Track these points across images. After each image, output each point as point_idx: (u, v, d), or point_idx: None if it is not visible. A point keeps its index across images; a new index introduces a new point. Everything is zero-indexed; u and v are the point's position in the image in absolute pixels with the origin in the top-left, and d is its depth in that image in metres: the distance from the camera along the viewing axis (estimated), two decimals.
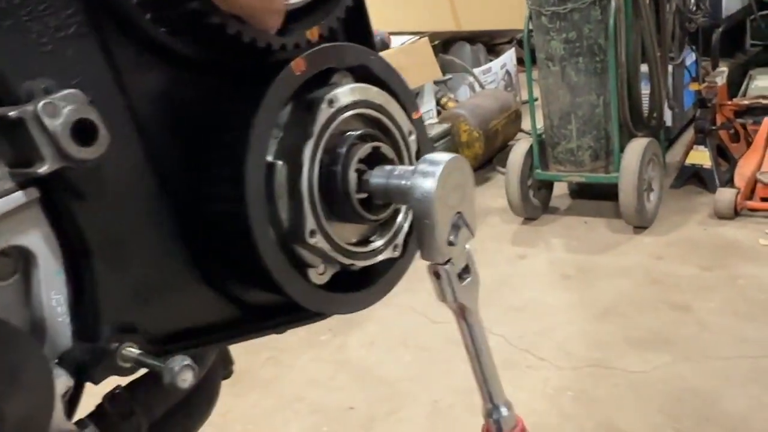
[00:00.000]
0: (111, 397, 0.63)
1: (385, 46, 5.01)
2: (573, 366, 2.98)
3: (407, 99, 0.76)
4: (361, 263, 0.71)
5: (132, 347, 0.59)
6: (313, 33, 0.66)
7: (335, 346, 3.40)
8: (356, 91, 0.68)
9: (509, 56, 6.58)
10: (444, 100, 5.64)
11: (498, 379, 0.70)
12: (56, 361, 0.58)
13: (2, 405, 0.41)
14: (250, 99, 0.63)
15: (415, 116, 0.78)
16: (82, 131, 0.53)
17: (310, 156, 0.64)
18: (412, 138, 0.76)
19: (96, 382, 0.58)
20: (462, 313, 0.67)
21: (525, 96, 5.15)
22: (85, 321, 0.59)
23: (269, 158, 0.64)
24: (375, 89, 0.71)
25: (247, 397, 3.11)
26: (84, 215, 0.57)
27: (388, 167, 0.67)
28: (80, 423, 0.60)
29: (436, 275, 0.66)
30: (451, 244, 0.64)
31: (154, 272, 0.63)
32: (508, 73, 6.48)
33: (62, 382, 0.57)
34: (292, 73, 0.64)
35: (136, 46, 0.62)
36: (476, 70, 6.11)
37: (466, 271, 0.67)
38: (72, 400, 0.65)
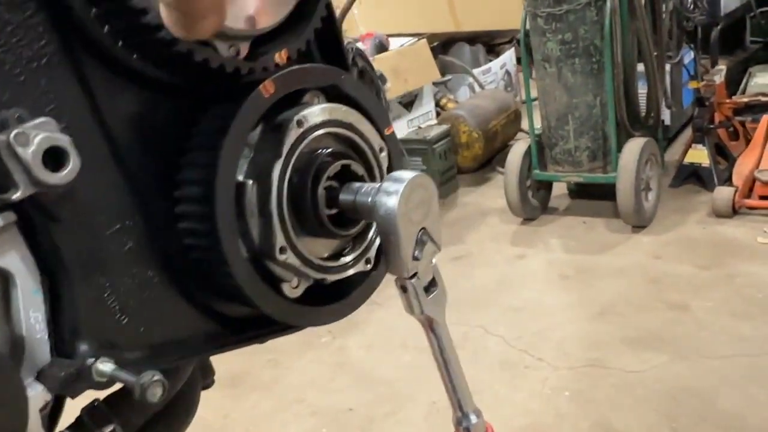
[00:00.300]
0: (89, 409, 0.65)
1: (384, 48, 5.03)
2: (570, 366, 2.99)
3: (378, 116, 0.78)
4: (332, 277, 0.73)
5: (107, 362, 0.61)
6: (281, 56, 0.68)
7: (335, 348, 3.43)
8: (326, 111, 0.71)
9: (509, 56, 6.60)
10: (443, 101, 5.66)
11: (467, 388, 0.72)
12: (34, 376, 0.60)
13: None
14: (221, 120, 0.66)
15: (387, 132, 0.80)
16: (54, 158, 0.55)
17: (279, 175, 0.66)
18: (383, 154, 0.78)
19: (73, 396, 0.60)
20: (430, 325, 0.70)
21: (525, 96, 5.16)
22: (62, 337, 0.62)
23: (240, 177, 0.67)
24: (345, 108, 0.73)
25: (246, 399, 3.14)
26: (59, 236, 0.60)
27: (356, 185, 0.69)
28: None
29: (403, 289, 0.68)
30: (416, 259, 0.66)
31: (130, 289, 0.66)
32: (507, 73, 6.50)
33: (40, 396, 0.59)
34: (260, 96, 0.66)
35: (109, 72, 0.64)
36: (476, 71, 6.13)
37: (432, 284, 0.70)
38: (53, 413, 0.68)
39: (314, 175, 0.68)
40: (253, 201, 0.66)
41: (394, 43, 5.22)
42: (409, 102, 5.07)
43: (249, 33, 0.66)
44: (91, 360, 0.61)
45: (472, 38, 6.70)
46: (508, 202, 4.30)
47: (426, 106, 5.30)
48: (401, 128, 4.89)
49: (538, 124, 4.29)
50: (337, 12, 4.79)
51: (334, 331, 3.48)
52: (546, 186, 4.48)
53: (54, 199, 0.57)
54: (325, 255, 0.74)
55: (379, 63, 4.57)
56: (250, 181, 0.67)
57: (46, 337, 0.62)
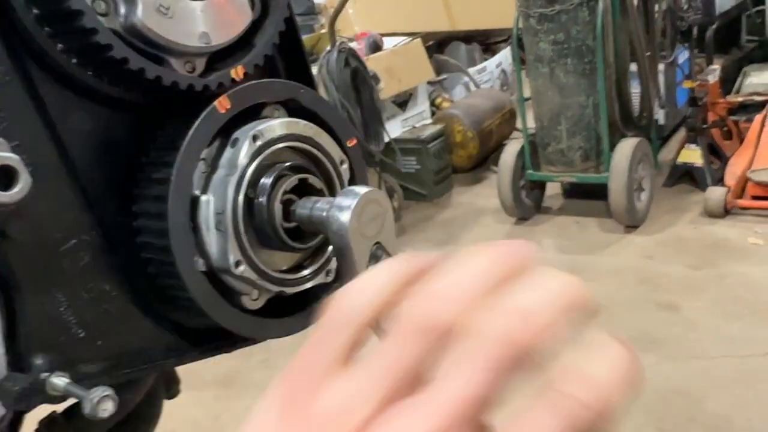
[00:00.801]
0: (47, 422, 0.66)
1: (378, 48, 5.03)
2: None
3: (340, 128, 0.79)
4: (291, 290, 0.74)
5: (62, 377, 0.62)
6: (237, 72, 0.69)
7: None
8: (284, 126, 0.71)
9: (504, 55, 6.60)
10: (438, 100, 5.66)
11: None
12: None
13: None
14: (176, 136, 0.66)
15: (349, 144, 0.80)
16: (3, 176, 0.56)
17: (234, 189, 0.67)
18: (344, 166, 0.78)
19: (27, 410, 0.61)
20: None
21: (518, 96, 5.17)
22: (18, 352, 0.63)
23: (196, 192, 0.67)
24: (303, 122, 0.73)
25: (239, 400, 3.15)
26: (11, 253, 0.60)
27: (313, 199, 0.70)
28: None
29: None
30: None
31: (87, 303, 0.66)
32: (503, 72, 6.49)
33: None
34: (215, 112, 0.67)
35: (64, 89, 0.65)
36: (471, 70, 6.13)
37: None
38: (12, 426, 0.69)
39: (270, 190, 0.69)
40: (208, 216, 0.67)
41: (389, 43, 5.22)
42: (403, 101, 5.07)
43: (203, 50, 0.66)
44: (45, 374, 0.62)
45: (467, 37, 6.69)
46: (501, 201, 4.31)
47: (420, 106, 5.30)
48: (395, 128, 4.90)
49: (531, 123, 4.29)
50: (331, 12, 4.79)
51: None
52: (539, 186, 4.49)
53: (4, 217, 0.58)
54: (284, 267, 0.75)
55: (373, 63, 4.57)
56: (205, 196, 0.67)
57: (2, 351, 0.63)
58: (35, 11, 0.61)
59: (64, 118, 0.65)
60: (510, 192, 4.20)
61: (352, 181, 0.80)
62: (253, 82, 0.71)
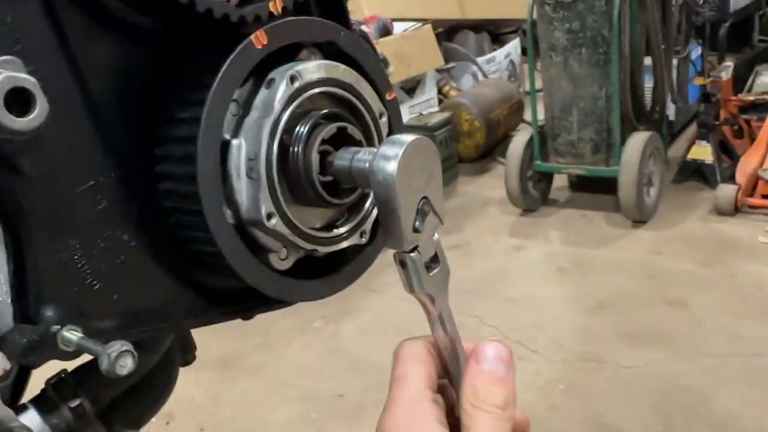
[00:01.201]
0: (55, 381, 0.60)
1: (388, 32, 4.96)
2: (565, 359, 2.96)
3: (380, 79, 0.73)
4: (324, 249, 0.68)
5: (75, 331, 0.56)
6: (276, 6, 0.63)
7: (328, 334, 3.39)
8: (322, 68, 0.65)
9: (514, 46, 6.52)
10: (446, 88, 5.59)
11: None
12: None
13: None
14: (207, 73, 0.60)
15: (388, 97, 0.74)
16: (19, 101, 0.50)
17: (268, 135, 0.61)
18: (384, 120, 0.72)
19: (35, 365, 0.55)
20: (431, 305, 0.64)
21: (528, 86, 5.10)
22: (26, 302, 0.57)
23: (226, 136, 0.61)
24: (343, 67, 0.67)
25: (236, 382, 3.10)
26: (23, 191, 0.54)
27: (352, 149, 0.64)
28: (21, 407, 0.58)
29: (402, 264, 0.62)
30: (416, 230, 0.60)
31: (103, 253, 0.60)
32: (512, 62, 6.42)
33: None
34: (252, 47, 0.61)
35: (86, 17, 0.58)
36: (480, 59, 6.06)
37: (434, 260, 0.63)
38: (17, 384, 0.63)
39: (307, 138, 0.63)
40: (239, 162, 0.61)
41: (398, 28, 5.15)
42: (411, 88, 5.01)
43: None
44: (56, 327, 0.56)
45: (477, 26, 6.62)
46: (508, 192, 4.26)
47: (428, 93, 5.24)
48: (403, 114, 4.82)
49: (540, 115, 4.23)
50: None
51: (328, 316, 3.44)
52: (547, 177, 4.43)
53: (17, 148, 0.52)
54: (318, 225, 0.69)
55: (383, 47, 4.50)
56: (237, 141, 0.61)
57: (9, 301, 0.57)
58: None
59: (84, 47, 0.58)
60: (517, 182, 4.15)
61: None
62: (293, 18, 0.65)
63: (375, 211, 0.72)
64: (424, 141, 0.59)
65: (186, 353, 0.78)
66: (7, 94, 0.49)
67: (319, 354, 3.27)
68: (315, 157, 0.63)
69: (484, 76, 5.99)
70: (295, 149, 0.63)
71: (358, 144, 0.67)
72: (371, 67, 0.72)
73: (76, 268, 0.59)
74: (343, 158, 0.64)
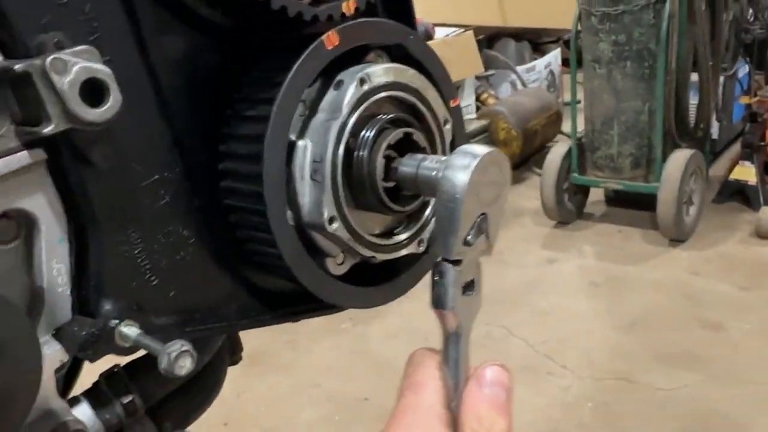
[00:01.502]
0: (108, 376, 0.60)
1: (429, 36, 4.94)
2: (596, 376, 2.90)
3: (445, 85, 0.71)
4: (382, 256, 0.67)
5: (132, 326, 0.55)
6: (349, 6, 0.62)
7: (355, 336, 3.37)
8: (391, 72, 0.64)
9: (554, 56, 6.45)
10: (484, 96, 5.55)
11: None
12: (52, 333, 0.54)
13: None
14: (277, 71, 0.59)
15: (452, 104, 0.73)
16: (93, 91, 0.49)
17: (335, 137, 0.60)
18: (447, 127, 0.71)
19: (92, 359, 0.55)
20: (452, 327, 0.59)
21: (567, 97, 5.03)
22: (86, 294, 0.56)
23: (292, 137, 0.60)
24: (412, 71, 0.66)
25: (263, 379, 3.10)
26: (91, 182, 0.54)
27: (419, 156, 0.62)
28: (73, 400, 0.57)
29: (440, 274, 0.58)
30: (467, 243, 0.57)
31: (163, 248, 0.60)
32: (551, 73, 6.35)
33: (56, 356, 0.54)
34: (323, 47, 0.60)
35: (159, 7, 0.58)
36: (520, 68, 6.01)
37: (471, 286, 0.59)
38: (68, 376, 0.62)
39: (373, 142, 0.62)
40: (304, 163, 0.60)
41: (440, 33, 5.13)
42: None
43: None
44: (114, 321, 0.55)
45: (518, 34, 6.56)
46: (543, 203, 4.20)
47: (466, 99, 5.20)
48: None
49: (580, 126, 4.17)
50: None
51: (356, 317, 3.43)
52: (583, 190, 4.37)
53: (90, 138, 0.51)
54: (377, 232, 0.67)
55: None
56: (303, 142, 0.60)
57: (68, 292, 0.56)
58: None
59: (157, 39, 0.58)
60: (553, 194, 4.09)
61: (453, 145, 0.72)
62: (364, 19, 0.63)
63: (434, 221, 0.70)
64: (499, 156, 0.57)
65: (233, 353, 0.77)
66: (83, 84, 0.48)
67: (345, 355, 3.26)
68: (380, 162, 0.62)
69: (523, 85, 5.93)
70: (361, 153, 0.61)
71: (423, 151, 0.66)
72: (437, 72, 0.70)
73: (137, 262, 0.58)
74: (408, 165, 0.62)
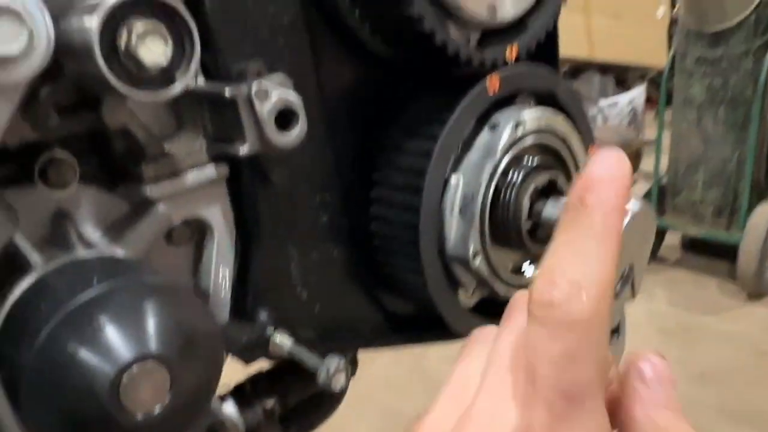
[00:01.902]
0: (254, 379, 0.64)
1: None
2: None
3: (587, 131, 0.73)
4: (511, 292, 0.69)
5: (285, 335, 0.59)
6: (512, 52, 0.64)
7: (416, 353, 3.39)
8: (545, 118, 0.66)
9: (639, 93, 6.33)
10: None
11: None
12: None
13: (178, 371, 0.42)
14: (440, 110, 0.62)
15: (590, 150, 0.74)
16: (283, 118, 0.53)
17: (488, 177, 0.62)
18: None
19: (247, 362, 0.59)
20: None
21: (648, 136, 4.93)
22: (245, 301, 0.60)
23: (446, 172, 0.63)
24: (561, 118, 0.68)
25: None
26: (266, 199, 0.58)
27: (563, 200, 0.64)
28: (221, 398, 0.61)
29: None
30: (615, 294, 0.60)
31: (315, 265, 0.63)
32: (634, 110, 6.24)
33: None
34: (485, 92, 0.62)
35: (335, 39, 0.62)
36: (602, 102, 5.93)
37: (616, 331, 0.61)
38: None
39: (521, 184, 0.64)
40: (455, 199, 0.62)
41: None
42: None
43: (487, 23, 0.62)
44: (271, 330, 0.59)
45: (603, 68, 6.48)
46: None
47: None
48: None
49: (663, 168, 4.08)
50: None
51: None
52: (659, 234, 4.26)
53: (272, 160, 0.55)
54: (509, 268, 0.69)
55: None
56: (456, 178, 0.63)
57: (229, 296, 0.60)
58: None
59: (330, 70, 0.62)
60: None
61: None
62: (522, 65, 0.66)
63: None
64: (649, 209, 0.58)
65: (353, 368, 0.80)
66: (279, 112, 0.52)
67: (404, 372, 3.28)
68: (526, 204, 0.64)
69: (604, 120, 5.85)
70: (508, 193, 0.64)
71: (563, 195, 0.68)
72: (581, 119, 0.72)
73: (291, 276, 0.62)
74: (552, 208, 0.64)
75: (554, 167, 0.67)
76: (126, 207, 0.55)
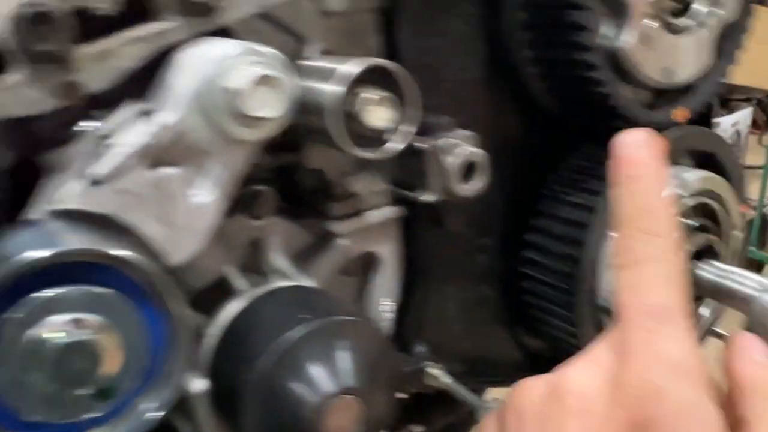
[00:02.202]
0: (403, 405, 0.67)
1: None
2: None
3: (740, 189, 0.73)
4: None
5: (437, 369, 0.63)
6: (679, 113, 0.65)
7: None
8: (708, 180, 0.67)
9: (744, 115, 6.04)
10: None
11: None
12: None
13: (369, 403, 0.46)
14: (601, 164, 0.64)
15: (742, 210, 0.74)
16: (466, 170, 0.56)
17: None
18: (735, 233, 0.72)
19: (402, 392, 0.63)
20: None
21: (750, 161, 4.70)
22: (401, 334, 0.64)
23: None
24: (721, 180, 0.69)
25: None
26: (435, 240, 0.62)
27: (722, 266, 0.65)
28: None
29: None
30: None
31: (469, 303, 0.67)
32: (737, 132, 5.96)
33: None
34: None
35: (509, 94, 0.65)
36: None
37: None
38: None
39: None
40: (610, 253, 0.64)
41: None
42: None
43: (660, 85, 0.63)
44: (425, 363, 0.62)
45: None
46: None
47: None
48: None
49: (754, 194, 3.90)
50: None
51: None
52: (756, 266, 4.08)
53: (450, 207, 0.59)
54: None
55: None
56: (614, 234, 0.64)
57: (388, 327, 0.64)
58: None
59: (503, 120, 0.65)
60: None
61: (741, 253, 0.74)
62: (688, 126, 0.67)
63: (712, 319, 0.72)
64: None
65: None
66: (464, 165, 0.55)
67: None
68: None
69: None
70: None
71: (715, 256, 0.68)
72: (736, 180, 0.72)
73: (446, 313, 0.66)
74: (708, 272, 0.65)
75: (712, 230, 0.68)
76: (309, 238, 0.60)
